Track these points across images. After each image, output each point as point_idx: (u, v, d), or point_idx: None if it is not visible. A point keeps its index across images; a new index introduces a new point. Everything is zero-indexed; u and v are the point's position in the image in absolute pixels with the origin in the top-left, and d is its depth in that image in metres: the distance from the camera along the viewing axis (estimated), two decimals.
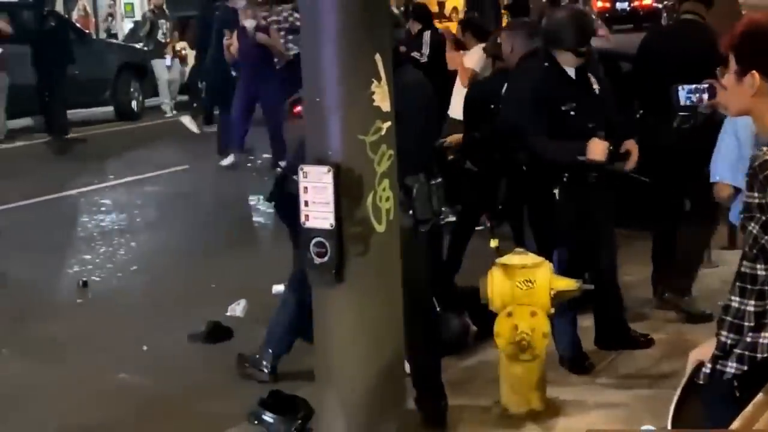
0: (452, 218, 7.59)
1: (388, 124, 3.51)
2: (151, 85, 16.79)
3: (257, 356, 5.52)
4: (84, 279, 7.50)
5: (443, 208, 4.50)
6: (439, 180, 4.41)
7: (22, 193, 10.46)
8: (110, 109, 16.26)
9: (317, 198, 3.47)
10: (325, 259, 3.49)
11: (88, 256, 8.27)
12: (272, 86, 11.76)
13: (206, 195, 10.90)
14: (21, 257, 8.30)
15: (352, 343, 3.56)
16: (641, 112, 6.35)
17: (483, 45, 8.37)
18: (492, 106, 6.03)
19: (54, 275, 7.73)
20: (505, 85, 5.97)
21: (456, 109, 8.30)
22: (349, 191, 3.46)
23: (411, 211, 4.34)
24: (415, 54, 9.22)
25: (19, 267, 8.00)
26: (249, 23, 12.01)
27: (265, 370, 5.48)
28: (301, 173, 3.51)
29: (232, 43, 11.89)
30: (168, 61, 16.80)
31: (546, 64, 5.32)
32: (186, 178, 11.59)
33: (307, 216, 3.51)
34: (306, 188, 3.49)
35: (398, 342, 3.67)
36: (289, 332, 5.44)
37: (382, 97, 3.48)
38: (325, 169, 3.44)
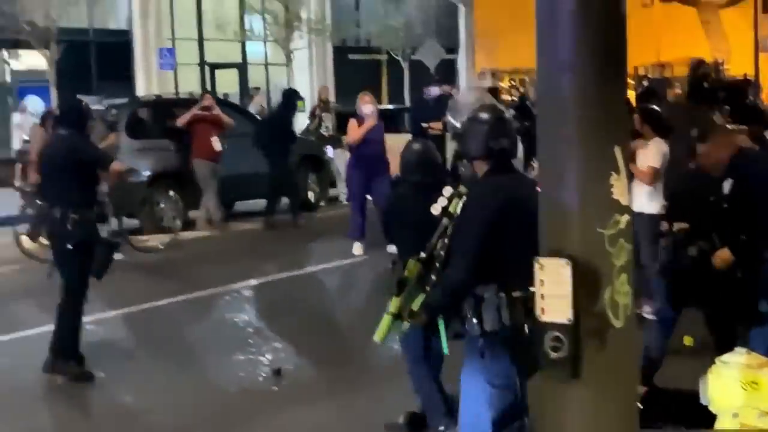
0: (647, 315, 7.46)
1: (626, 217, 3.45)
2: (328, 177, 17.24)
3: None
4: (277, 367, 7.61)
5: (522, 321, 4.22)
6: (518, 294, 4.23)
7: (209, 281, 10.83)
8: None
9: (554, 291, 3.42)
10: (561, 354, 3.42)
11: (279, 344, 8.42)
12: (385, 176, 11.89)
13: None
14: (216, 343, 8.53)
15: None
16: None
17: (660, 139, 8.24)
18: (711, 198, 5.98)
19: (247, 363, 7.87)
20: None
21: (645, 207, 8.17)
22: (586, 285, 3.40)
23: (477, 321, 4.37)
24: None
25: (214, 354, 8.21)
26: (367, 108, 12.19)
27: None
28: (536, 265, 3.48)
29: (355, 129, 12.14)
30: (330, 152, 17.28)
31: None
32: (367, 268, 11.70)
33: (542, 309, 3.46)
34: (542, 281, 3.45)
35: None
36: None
37: (620, 190, 3.43)
38: (563, 262, 3.39)
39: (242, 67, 27.87)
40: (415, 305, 4.51)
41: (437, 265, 4.52)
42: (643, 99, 13.78)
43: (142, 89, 23.56)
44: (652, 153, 8.26)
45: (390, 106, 22.04)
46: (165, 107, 16.11)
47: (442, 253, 4.51)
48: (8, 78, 22.41)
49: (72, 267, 7.52)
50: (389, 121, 15.26)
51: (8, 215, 13.48)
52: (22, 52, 21.75)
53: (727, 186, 5.90)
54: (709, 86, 12.63)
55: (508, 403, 4.51)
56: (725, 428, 4.57)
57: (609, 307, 3.43)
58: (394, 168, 10.04)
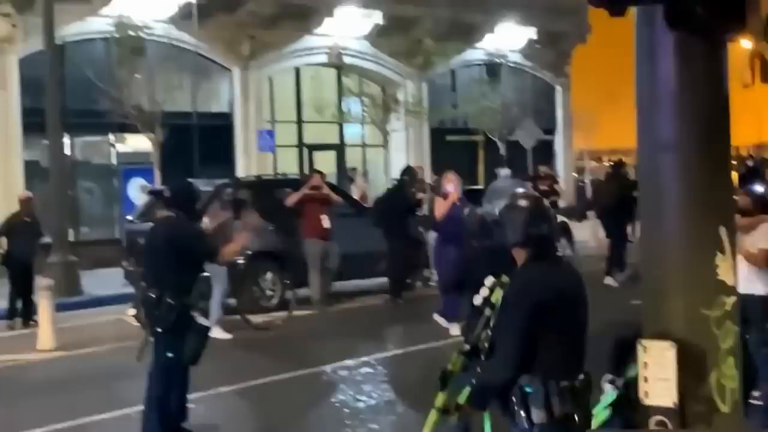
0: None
1: (733, 299, 3.39)
2: (424, 257, 17.24)
3: None
4: None
5: (571, 411, 4.03)
6: (565, 383, 4.05)
7: (312, 360, 10.92)
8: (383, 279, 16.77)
9: (658, 374, 3.36)
10: None
11: (377, 426, 8.38)
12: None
13: None
14: (315, 422, 8.55)
15: None
16: None
17: None
18: None
19: None
20: None
21: (755, 289, 7.95)
22: (692, 368, 3.33)
23: (525, 414, 4.16)
24: None
25: None
26: (450, 186, 12.36)
27: None
28: (640, 348, 3.43)
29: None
30: (424, 232, 17.34)
31: None
32: None
33: (646, 392, 3.40)
34: (646, 363, 3.40)
35: None
36: None
37: (726, 270, 3.38)
38: (667, 344, 3.34)
39: (340, 149, 28.24)
40: (462, 398, 4.44)
41: (482, 357, 4.42)
42: (747, 179, 13.65)
43: (241, 170, 24.02)
44: (763, 234, 8.07)
45: None
46: (265, 187, 16.42)
47: (486, 344, 4.41)
48: (114, 160, 23.09)
49: (161, 350, 7.55)
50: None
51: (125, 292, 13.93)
52: (127, 135, 22.40)
53: None
54: None
55: None
56: None
57: (716, 391, 3.36)
58: None
